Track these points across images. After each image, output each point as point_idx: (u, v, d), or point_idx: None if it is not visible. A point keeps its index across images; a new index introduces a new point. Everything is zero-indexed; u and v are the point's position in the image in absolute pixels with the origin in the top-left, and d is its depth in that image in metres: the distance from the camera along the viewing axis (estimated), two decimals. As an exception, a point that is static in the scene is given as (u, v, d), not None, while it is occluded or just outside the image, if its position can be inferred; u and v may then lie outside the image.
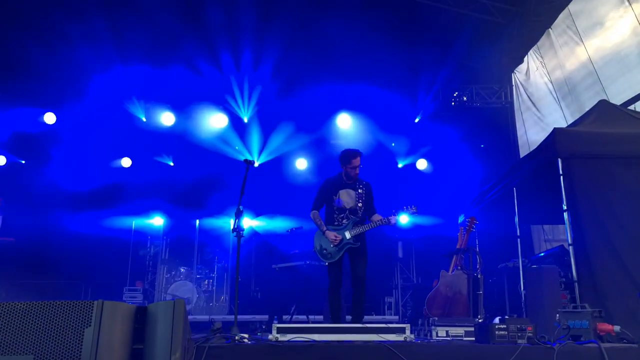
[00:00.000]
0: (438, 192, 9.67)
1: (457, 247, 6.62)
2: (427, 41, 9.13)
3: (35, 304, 2.15)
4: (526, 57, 9.49)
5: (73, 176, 9.81)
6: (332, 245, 5.31)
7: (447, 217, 9.10)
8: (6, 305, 2.15)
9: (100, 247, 9.57)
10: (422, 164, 10.48)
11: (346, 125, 10.25)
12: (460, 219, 8.73)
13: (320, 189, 5.58)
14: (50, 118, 10.10)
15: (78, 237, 9.48)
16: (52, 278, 9.53)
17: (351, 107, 10.15)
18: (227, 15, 8.68)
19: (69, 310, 2.13)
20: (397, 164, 10.52)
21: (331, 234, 5.31)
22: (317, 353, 3.76)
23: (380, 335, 4.18)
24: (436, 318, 5.23)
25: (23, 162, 10.39)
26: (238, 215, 4.98)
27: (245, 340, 4.14)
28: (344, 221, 5.40)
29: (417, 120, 10.43)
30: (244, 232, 5.11)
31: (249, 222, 9.59)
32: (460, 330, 5.03)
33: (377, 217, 5.46)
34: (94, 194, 9.83)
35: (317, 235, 5.47)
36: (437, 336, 4.98)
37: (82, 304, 2.14)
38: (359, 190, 5.48)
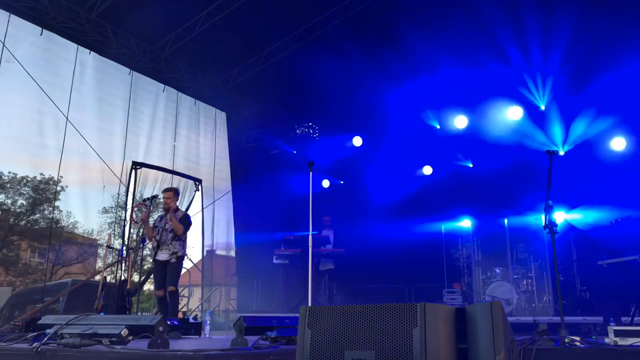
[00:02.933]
0: None
1: None
2: None
3: (371, 307, 2.47)
4: None
5: (384, 189, 10.83)
6: None
7: None
8: (349, 308, 2.54)
9: (416, 252, 10.24)
10: None
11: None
12: None
13: None
14: (357, 141, 11.46)
15: (395, 244, 10.37)
16: (378, 283, 10.67)
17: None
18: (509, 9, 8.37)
19: (397, 312, 2.37)
20: None
21: None
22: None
23: None
24: None
25: (342, 182, 11.99)
26: (548, 210, 4.69)
27: (577, 343, 3.83)
28: None
29: None
30: (558, 227, 4.76)
31: (562, 216, 8.86)
32: None
33: None
34: (404, 203, 10.62)
35: None
36: None
37: (407, 306, 2.35)
38: None
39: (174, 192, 7.04)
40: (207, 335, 6.25)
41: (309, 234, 6.45)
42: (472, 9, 8.68)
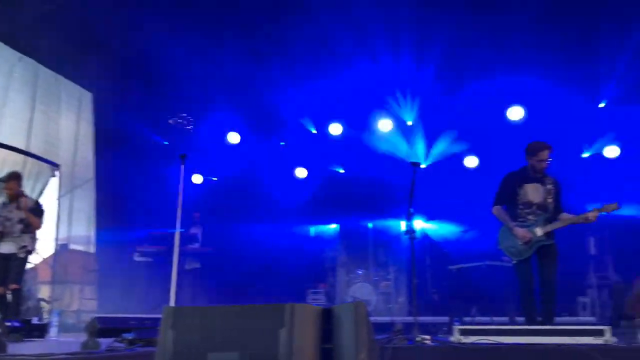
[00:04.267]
0: (633, 180, 8.58)
1: (662, 240, 5.80)
2: (606, 20, 8.19)
3: (238, 307, 2.42)
4: None
5: (257, 189, 10.80)
6: (520, 243, 5.03)
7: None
8: (215, 309, 2.47)
9: (284, 253, 10.37)
10: (611, 152, 9.38)
11: (518, 117, 9.63)
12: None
13: (503, 183, 5.30)
14: (234, 138, 11.28)
15: (265, 244, 10.42)
16: (246, 283, 10.59)
17: (522, 99, 9.53)
18: (386, 19, 8.77)
19: (265, 312, 2.36)
20: (580, 154, 9.57)
21: (520, 231, 4.98)
22: (504, 356, 3.61)
23: (574, 338, 3.86)
24: (642, 320, 4.64)
25: (215, 179, 11.71)
26: (409, 217, 5.03)
27: (427, 341, 4.14)
28: (530, 217, 5.06)
29: (601, 105, 9.36)
30: (417, 233, 5.12)
31: (421, 224, 9.55)
32: (674, 334, 4.40)
33: (566, 215, 5.04)
34: (276, 204, 10.68)
35: (503, 231, 5.18)
36: (646, 340, 4.42)
37: (275, 306, 2.35)
38: (548, 186, 5.11)
39: (16, 178, 6.33)
40: (54, 338, 5.78)
41: (175, 231, 6.19)
42: (352, 16, 8.93)
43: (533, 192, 5.11)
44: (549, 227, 4.95)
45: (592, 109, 9.38)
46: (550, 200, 5.08)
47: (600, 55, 8.78)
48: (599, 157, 9.50)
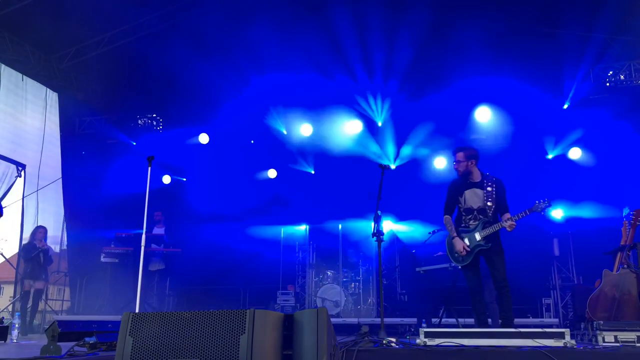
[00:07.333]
0: (597, 182, 8.81)
1: (622, 243, 5.98)
2: (569, 18, 8.41)
3: (199, 313, 2.40)
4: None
5: (227, 189, 10.69)
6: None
7: (609, 211, 8.26)
8: (175, 314, 2.43)
9: (254, 254, 10.32)
10: (575, 153, 9.58)
11: (485, 118, 9.80)
12: (625, 211, 7.86)
13: (448, 192, 5.39)
14: (204, 138, 11.15)
15: (234, 245, 10.33)
16: (215, 284, 10.51)
17: (489, 101, 9.71)
18: (356, 19, 8.84)
19: (226, 318, 2.34)
20: (546, 155, 9.78)
21: (458, 244, 5.08)
22: (467, 358, 3.66)
23: (536, 340, 3.95)
24: (601, 322, 4.76)
25: (185, 179, 11.59)
26: (377, 220, 5.07)
27: (393, 344, 4.16)
28: (472, 222, 5.14)
29: (565, 106, 9.58)
30: (385, 235, 5.17)
31: (389, 226, 9.62)
32: (631, 335, 4.53)
33: (506, 216, 5.06)
34: (246, 204, 10.61)
35: (448, 238, 5.29)
36: (604, 342, 4.54)
37: (236, 312, 2.33)
38: (488, 189, 5.15)
39: None
40: (14, 341, 5.63)
41: (142, 232, 6.09)
42: (323, 16, 8.95)
43: (472, 198, 5.18)
44: (488, 231, 5.01)
45: (557, 109, 9.60)
46: (490, 204, 5.11)
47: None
48: (563, 158, 9.71)
